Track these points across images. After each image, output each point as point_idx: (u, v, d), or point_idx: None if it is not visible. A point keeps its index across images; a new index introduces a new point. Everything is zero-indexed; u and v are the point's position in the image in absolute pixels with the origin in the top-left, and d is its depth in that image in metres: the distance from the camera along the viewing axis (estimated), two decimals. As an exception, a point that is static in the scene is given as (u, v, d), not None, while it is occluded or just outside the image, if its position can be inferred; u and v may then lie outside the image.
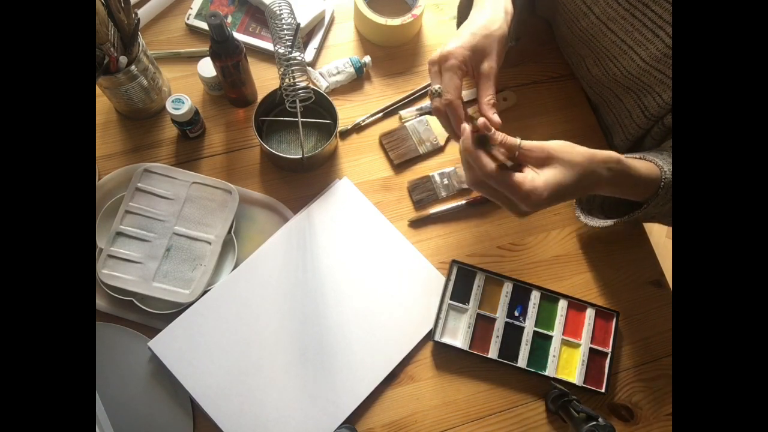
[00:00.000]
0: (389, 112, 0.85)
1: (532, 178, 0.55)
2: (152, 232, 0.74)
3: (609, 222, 0.70)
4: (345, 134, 0.83)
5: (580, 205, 0.78)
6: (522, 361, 0.74)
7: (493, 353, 0.73)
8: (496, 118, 0.60)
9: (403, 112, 0.84)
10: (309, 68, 0.85)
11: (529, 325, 0.75)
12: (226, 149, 0.81)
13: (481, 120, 0.57)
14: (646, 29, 0.65)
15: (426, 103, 0.86)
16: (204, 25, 0.85)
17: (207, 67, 0.78)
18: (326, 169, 0.82)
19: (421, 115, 0.85)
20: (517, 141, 0.57)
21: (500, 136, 0.56)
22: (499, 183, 0.56)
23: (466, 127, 0.58)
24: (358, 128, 0.84)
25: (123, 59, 0.69)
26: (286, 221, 0.77)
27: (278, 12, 0.65)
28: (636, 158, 0.64)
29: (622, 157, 0.59)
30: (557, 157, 0.56)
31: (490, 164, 0.56)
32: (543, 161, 0.56)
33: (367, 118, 0.84)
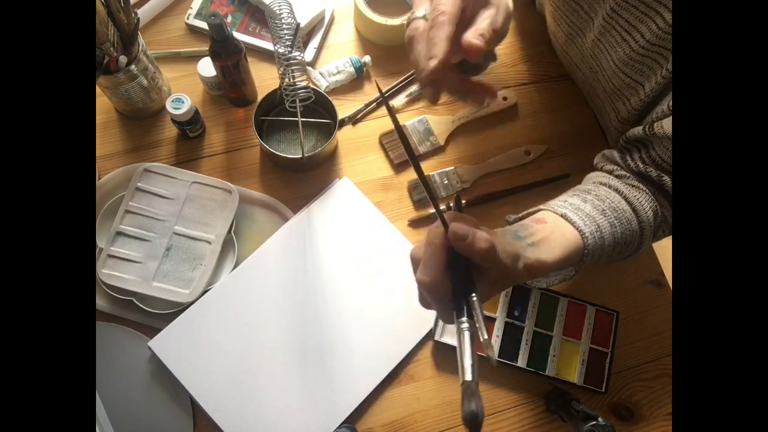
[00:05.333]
0: (382, 101, 0.85)
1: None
2: (152, 231, 0.74)
3: (543, 284, 0.65)
4: (339, 126, 0.83)
5: None
6: (522, 361, 0.74)
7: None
8: (478, 42, 0.46)
9: (393, 102, 0.85)
10: (309, 68, 0.85)
11: (529, 325, 0.75)
12: (226, 149, 0.81)
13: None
14: (615, 32, 0.65)
15: (413, 89, 0.86)
16: (204, 25, 0.85)
17: (207, 67, 0.78)
18: (326, 169, 0.82)
19: (409, 100, 0.85)
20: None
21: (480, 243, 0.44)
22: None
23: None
24: (353, 121, 0.84)
25: (123, 59, 0.69)
26: (286, 221, 0.77)
27: (278, 12, 0.65)
28: (560, 216, 0.58)
29: (539, 258, 0.52)
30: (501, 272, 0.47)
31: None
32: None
33: (363, 108, 0.84)
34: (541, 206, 0.61)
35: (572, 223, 0.57)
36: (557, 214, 0.59)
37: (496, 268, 0.46)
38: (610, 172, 0.68)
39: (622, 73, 0.68)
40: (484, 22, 0.48)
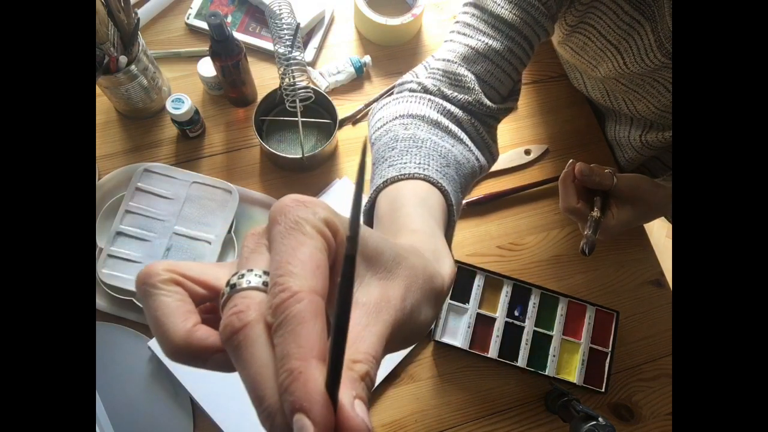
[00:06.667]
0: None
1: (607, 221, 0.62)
2: (152, 231, 0.74)
3: None
4: (339, 126, 0.83)
5: None
6: (522, 361, 0.74)
7: (493, 353, 0.73)
8: (359, 422, 0.20)
9: None
10: (309, 68, 0.85)
11: (529, 325, 0.75)
12: (226, 149, 0.81)
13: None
14: (659, 84, 0.66)
15: None
16: (204, 25, 0.85)
17: (207, 67, 0.78)
18: (326, 169, 0.82)
19: None
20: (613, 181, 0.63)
21: (596, 177, 0.62)
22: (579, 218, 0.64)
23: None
24: (353, 121, 0.84)
25: (123, 59, 0.69)
26: (286, 221, 0.77)
27: (278, 11, 0.65)
28: None
29: None
30: (642, 198, 0.62)
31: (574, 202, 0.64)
32: (628, 200, 0.63)
33: (363, 108, 0.84)
34: None
35: None
36: None
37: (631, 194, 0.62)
38: None
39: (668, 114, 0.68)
40: (363, 359, 0.22)
